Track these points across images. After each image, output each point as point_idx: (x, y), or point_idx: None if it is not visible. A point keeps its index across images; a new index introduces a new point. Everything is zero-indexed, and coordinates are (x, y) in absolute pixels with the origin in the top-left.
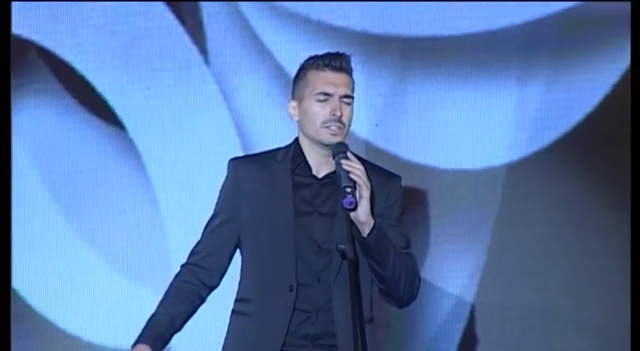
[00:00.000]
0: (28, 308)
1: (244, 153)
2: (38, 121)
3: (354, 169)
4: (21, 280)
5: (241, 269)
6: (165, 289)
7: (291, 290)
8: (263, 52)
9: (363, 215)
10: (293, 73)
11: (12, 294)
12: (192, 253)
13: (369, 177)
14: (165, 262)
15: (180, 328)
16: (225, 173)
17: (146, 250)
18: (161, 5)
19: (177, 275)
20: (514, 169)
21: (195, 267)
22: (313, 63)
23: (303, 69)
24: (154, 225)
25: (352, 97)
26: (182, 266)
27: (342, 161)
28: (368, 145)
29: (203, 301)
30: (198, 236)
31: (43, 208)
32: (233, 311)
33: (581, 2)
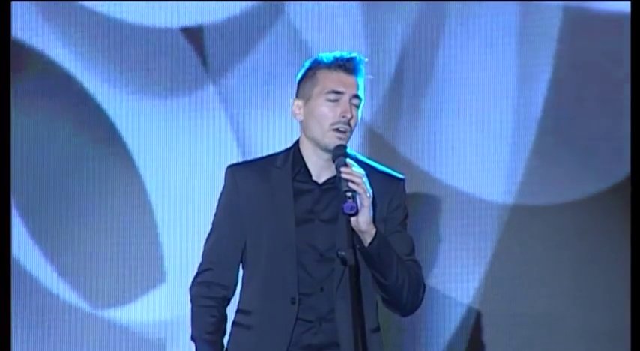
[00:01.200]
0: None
1: (242, 157)
2: (29, 122)
3: (354, 177)
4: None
5: (242, 279)
6: (190, 313)
7: (293, 303)
8: (261, 52)
9: (363, 224)
10: (290, 74)
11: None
12: (200, 272)
13: (370, 182)
14: (160, 264)
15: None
16: (221, 178)
17: (141, 252)
18: (156, 4)
19: (192, 299)
20: (521, 176)
21: (208, 288)
22: (325, 62)
23: (312, 68)
24: (148, 229)
25: (361, 100)
26: (193, 286)
27: (342, 169)
28: (371, 143)
29: (225, 316)
30: (194, 238)
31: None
32: (234, 322)
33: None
